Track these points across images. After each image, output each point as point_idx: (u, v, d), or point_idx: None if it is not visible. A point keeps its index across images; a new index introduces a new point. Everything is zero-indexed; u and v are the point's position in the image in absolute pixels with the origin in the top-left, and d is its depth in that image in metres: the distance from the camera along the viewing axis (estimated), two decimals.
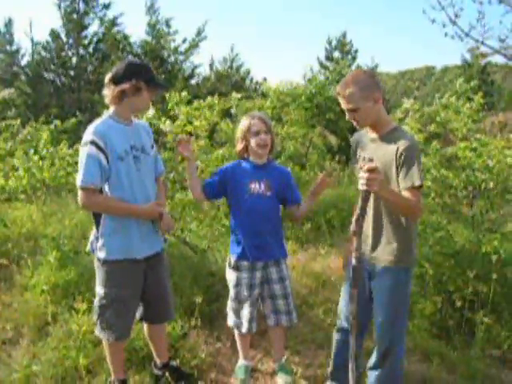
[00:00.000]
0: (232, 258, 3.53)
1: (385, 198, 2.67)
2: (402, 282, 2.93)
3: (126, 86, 2.98)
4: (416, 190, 2.72)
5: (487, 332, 3.95)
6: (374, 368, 3.09)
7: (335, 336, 3.33)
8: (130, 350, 3.69)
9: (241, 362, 3.70)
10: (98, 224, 3.06)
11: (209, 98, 5.53)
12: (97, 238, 3.07)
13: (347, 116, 2.89)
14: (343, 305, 3.23)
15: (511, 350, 3.96)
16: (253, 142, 3.39)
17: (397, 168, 2.75)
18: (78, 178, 2.91)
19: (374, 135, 2.94)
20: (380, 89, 2.84)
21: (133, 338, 3.73)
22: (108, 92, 3.05)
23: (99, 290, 3.11)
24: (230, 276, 3.57)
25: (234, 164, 3.58)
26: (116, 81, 3.00)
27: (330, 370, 3.39)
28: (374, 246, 2.93)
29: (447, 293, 4.23)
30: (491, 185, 5.11)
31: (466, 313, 4.03)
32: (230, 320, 3.62)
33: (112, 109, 3.09)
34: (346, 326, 3.16)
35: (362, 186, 2.50)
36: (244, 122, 3.46)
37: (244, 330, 3.54)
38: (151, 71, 3.13)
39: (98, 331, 3.20)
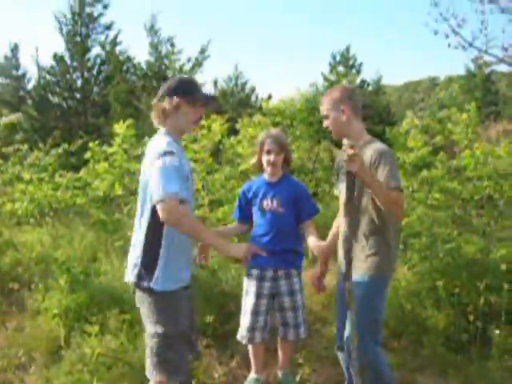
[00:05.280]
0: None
1: (366, 180, 2.73)
2: (375, 291, 2.95)
3: (165, 104, 2.77)
4: (395, 192, 2.80)
5: (503, 343, 3.90)
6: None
7: (339, 355, 3.30)
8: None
9: (251, 375, 3.69)
10: (148, 253, 2.74)
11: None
12: (145, 269, 2.73)
13: (323, 123, 3.15)
14: (339, 321, 3.23)
15: None
16: (263, 159, 3.52)
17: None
18: (161, 190, 2.52)
19: None
20: (349, 103, 3.03)
21: None
22: (155, 112, 2.84)
23: (157, 329, 2.72)
24: (243, 285, 3.64)
25: (250, 183, 3.73)
26: (160, 98, 2.80)
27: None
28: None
29: (461, 305, 4.19)
30: (496, 193, 5.10)
31: (480, 325, 3.98)
32: (239, 333, 3.62)
33: (163, 129, 2.84)
34: (342, 344, 3.16)
35: (345, 166, 2.69)
36: (260, 139, 3.59)
37: (244, 339, 3.56)
38: (191, 84, 2.89)
39: (158, 376, 2.75)
